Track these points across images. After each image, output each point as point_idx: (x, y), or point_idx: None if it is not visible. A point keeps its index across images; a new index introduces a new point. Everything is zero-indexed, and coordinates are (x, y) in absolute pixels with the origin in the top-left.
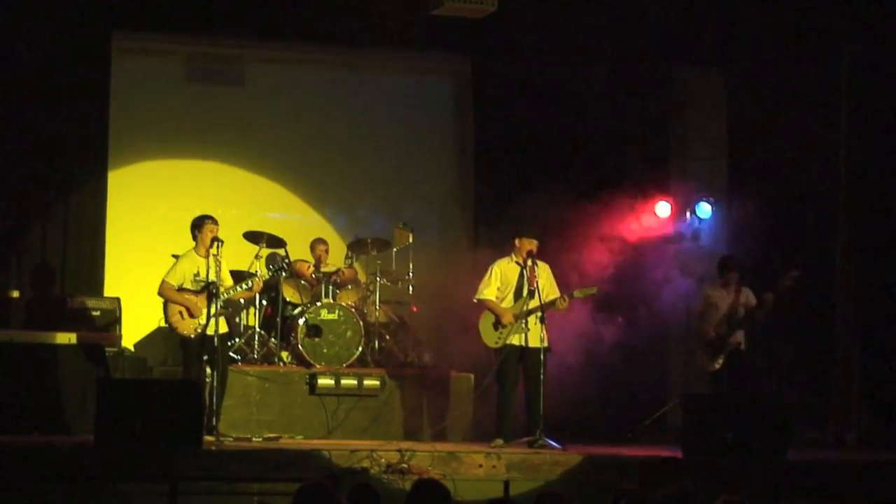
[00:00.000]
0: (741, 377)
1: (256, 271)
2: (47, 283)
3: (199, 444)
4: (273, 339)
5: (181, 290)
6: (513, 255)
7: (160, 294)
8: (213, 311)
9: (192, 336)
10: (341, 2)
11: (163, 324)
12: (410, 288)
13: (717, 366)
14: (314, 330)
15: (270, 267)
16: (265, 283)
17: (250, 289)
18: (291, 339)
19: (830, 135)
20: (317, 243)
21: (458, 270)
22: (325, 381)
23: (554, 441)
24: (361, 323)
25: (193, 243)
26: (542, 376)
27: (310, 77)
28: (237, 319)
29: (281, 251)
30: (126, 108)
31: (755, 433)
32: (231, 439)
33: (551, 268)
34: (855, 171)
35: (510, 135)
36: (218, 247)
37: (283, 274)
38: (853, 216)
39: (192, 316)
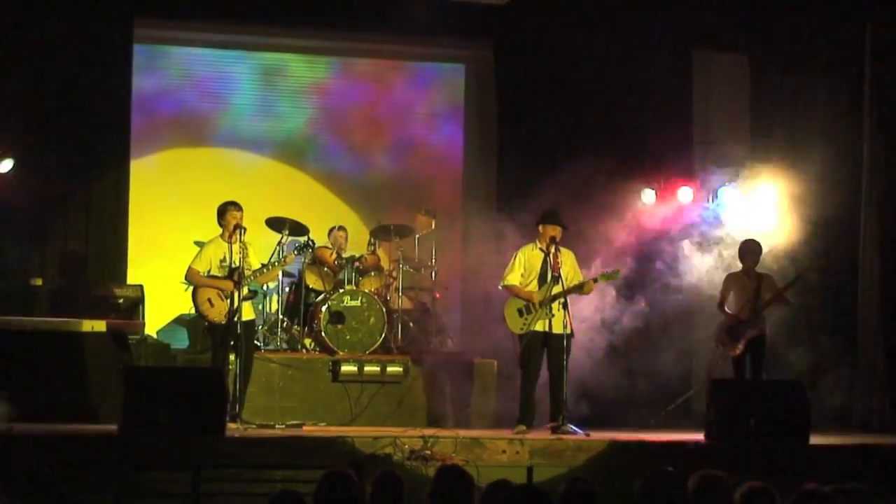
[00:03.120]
0: (763, 363)
1: (281, 254)
2: (71, 271)
3: (223, 431)
4: (296, 326)
5: (209, 276)
6: (536, 242)
7: (188, 280)
8: (237, 297)
9: (223, 322)
10: None
11: (186, 311)
12: (433, 274)
13: (739, 351)
14: (337, 317)
15: (296, 244)
16: (289, 270)
17: (281, 263)
18: (314, 325)
19: (854, 118)
20: (335, 230)
21: (481, 256)
22: (348, 368)
23: (577, 427)
24: (384, 309)
25: (220, 230)
26: (565, 362)
27: (331, 64)
28: (260, 307)
29: (303, 238)
30: (148, 96)
31: (778, 418)
32: (254, 426)
33: (574, 252)
34: (879, 155)
35: (532, 120)
36: (241, 233)
37: (309, 251)
38: (877, 201)
39: (222, 300)
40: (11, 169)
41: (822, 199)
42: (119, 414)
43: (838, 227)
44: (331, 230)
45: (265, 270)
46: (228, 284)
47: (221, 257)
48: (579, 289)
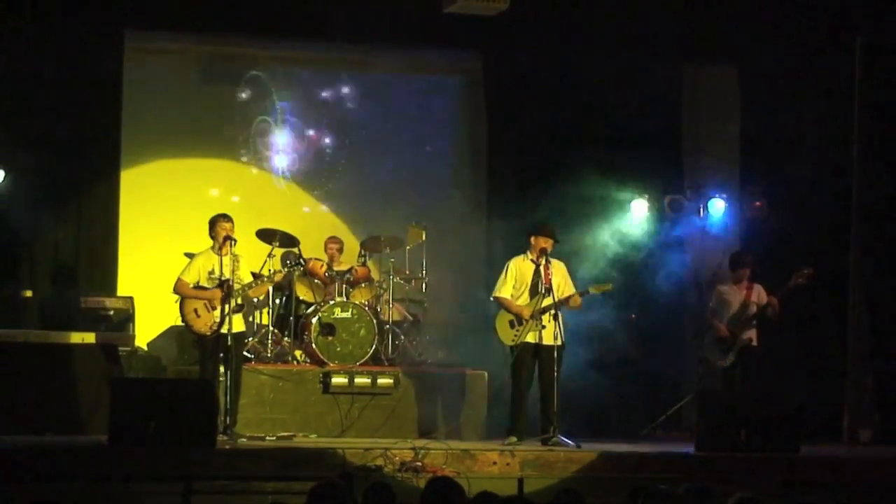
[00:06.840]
0: (753, 374)
1: (270, 271)
2: (60, 282)
3: (213, 443)
4: (286, 338)
5: (197, 287)
6: (528, 253)
7: (176, 292)
8: (227, 309)
9: (208, 334)
10: (354, 0)
11: (176, 323)
12: (424, 286)
13: (729, 362)
14: (328, 328)
15: (287, 262)
16: (279, 282)
17: (271, 279)
18: (305, 337)
19: (844, 131)
20: (330, 242)
21: (472, 268)
22: (338, 380)
23: (568, 438)
24: (375, 321)
25: (210, 242)
26: (556, 374)
27: (322, 75)
28: (250, 318)
29: (294, 250)
30: (138, 108)
31: (768, 430)
32: (245, 438)
33: (565, 263)
34: (869, 168)
35: (522, 132)
36: (230, 245)
37: (298, 270)
38: (866, 213)
39: (209, 311)
40: (1, 180)
41: (811, 208)
42: (108, 426)
43: (828, 237)
44: (326, 242)
45: (255, 284)
46: (215, 294)
47: (210, 269)
48: (570, 300)
